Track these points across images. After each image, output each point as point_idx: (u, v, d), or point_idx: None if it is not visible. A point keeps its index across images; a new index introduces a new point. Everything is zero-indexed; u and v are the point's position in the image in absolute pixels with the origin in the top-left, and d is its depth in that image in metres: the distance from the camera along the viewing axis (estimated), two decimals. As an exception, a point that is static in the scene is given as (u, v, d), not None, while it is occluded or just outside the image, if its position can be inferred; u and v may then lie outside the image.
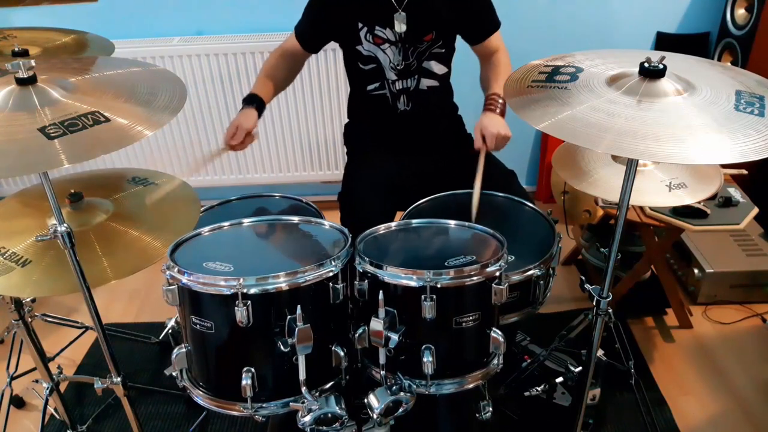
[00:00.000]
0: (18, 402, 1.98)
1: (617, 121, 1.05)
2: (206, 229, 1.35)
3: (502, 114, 1.68)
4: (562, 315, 2.20)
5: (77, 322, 2.17)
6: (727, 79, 1.17)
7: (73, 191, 1.44)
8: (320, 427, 1.22)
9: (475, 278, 1.21)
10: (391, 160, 1.78)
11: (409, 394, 1.24)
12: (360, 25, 1.66)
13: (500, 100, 1.69)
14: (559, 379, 1.70)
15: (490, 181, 1.69)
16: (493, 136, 1.61)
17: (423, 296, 1.19)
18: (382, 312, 1.21)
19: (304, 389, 1.23)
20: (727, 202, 1.96)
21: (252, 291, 1.16)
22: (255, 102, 1.73)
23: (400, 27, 1.65)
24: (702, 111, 1.06)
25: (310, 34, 1.76)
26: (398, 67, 1.71)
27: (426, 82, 1.76)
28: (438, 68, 1.76)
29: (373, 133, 1.84)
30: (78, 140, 1.06)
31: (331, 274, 1.23)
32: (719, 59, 2.47)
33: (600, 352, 1.52)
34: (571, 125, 1.06)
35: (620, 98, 1.10)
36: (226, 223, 1.37)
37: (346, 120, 1.95)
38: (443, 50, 1.75)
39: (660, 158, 1.01)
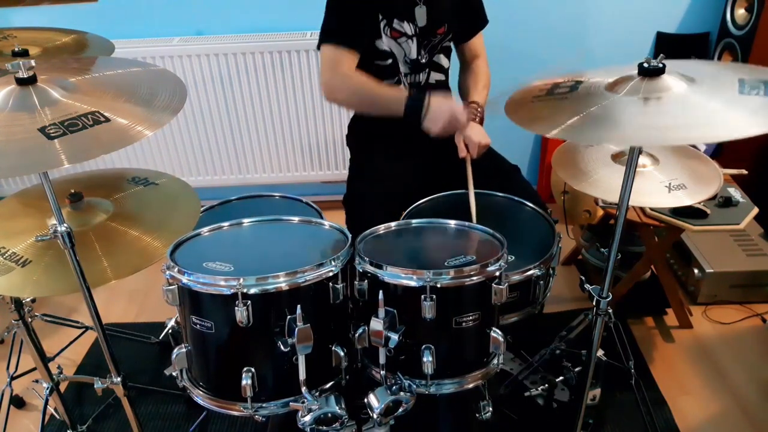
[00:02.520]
0: (18, 402, 1.98)
1: (630, 116, 1.05)
2: (206, 229, 1.35)
3: (481, 122, 1.74)
4: (562, 315, 2.20)
5: (77, 322, 2.17)
6: (728, 72, 1.16)
7: (73, 191, 1.44)
8: (320, 427, 1.22)
9: (475, 278, 1.21)
10: (397, 160, 1.78)
11: (409, 394, 1.24)
12: (380, 17, 1.65)
13: (479, 109, 1.74)
14: (560, 379, 1.70)
15: (495, 178, 1.70)
16: (476, 146, 1.66)
17: (423, 296, 1.19)
18: (382, 312, 1.21)
19: (304, 389, 1.23)
20: (727, 202, 1.96)
21: (252, 291, 1.16)
22: (418, 95, 1.62)
23: (422, 20, 1.66)
24: (709, 98, 1.06)
25: (360, 32, 1.64)
26: (413, 61, 1.71)
27: (435, 76, 1.78)
28: (444, 62, 1.78)
29: (379, 131, 1.83)
30: (78, 140, 1.06)
31: (331, 274, 1.23)
32: (719, 59, 2.47)
33: (600, 352, 1.52)
34: (585, 127, 1.06)
35: (623, 99, 1.10)
36: (226, 223, 1.37)
37: (347, 119, 1.95)
38: (450, 43, 1.77)
39: (697, 140, 1.00)
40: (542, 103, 1.18)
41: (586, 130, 1.07)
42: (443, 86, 1.83)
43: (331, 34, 1.64)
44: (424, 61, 1.73)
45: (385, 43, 1.68)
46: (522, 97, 1.24)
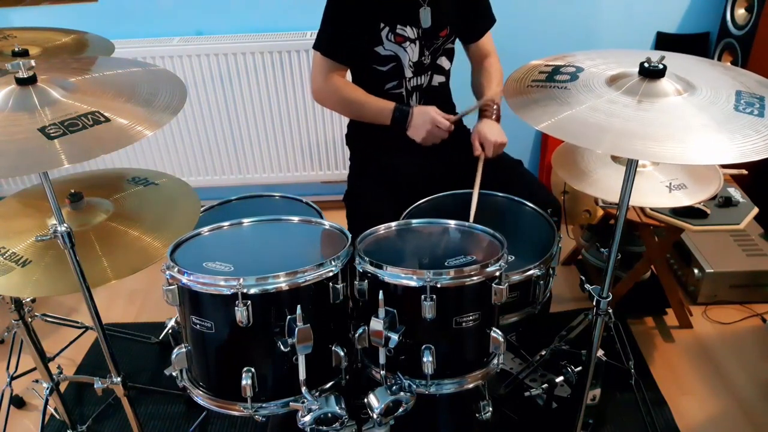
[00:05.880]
0: (18, 402, 1.98)
1: (617, 122, 1.05)
2: (206, 229, 1.35)
3: (498, 120, 1.73)
4: (562, 315, 2.20)
5: (77, 322, 2.17)
6: (727, 80, 1.17)
7: (73, 191, 1.44)
8: (320, 427, 1.22)
9: (475, 278, 1.21)
10: (397, 160, 1.78)
11: (409, 394, 1.24)
12: (382, 25, 1.65)
13: (495, 106, 1.73)
14: (560, 379, 1.70)
15: (498, 172, 1.70)
16: (492, 145, 1.65)
17: (423, 296, 1.19)
18: (382, 312, 1.21)
19: (304, 389, 1.23)
20: (727, 202, 1.96)
21: (252, 291, 1.16)
22: (402, 107, 1.67)
23: (426, 22, 1.66)
24: (702, 111, 1.06)
25: (352, 48, 1.67)
26: (416, 64, 1.71)
27: (437, 79, 1.78)
28: (446, 64, 1.78)
29: (379, 131, 1.83)
30: (78, 140, 1.06)
31: (331, 274, 1.23)
32: (719, 59, 2.47)
33: (600, 352, 1.52)
34: (571, 125, 1.06)
35: (620, 98, 1.10)
36: (226, 223, 1.37)
37: (347, 119, 1.94)
38: (453, 45, 1.77)
39: (659, 158, 1.01)
40: (539, 90, 1.18)
41: (572, 129, 1.06)
42: (444, 88, 1.83)
43: (323, 44, 1.67)
44: (427, 63, 1.73)
45: (387, 48, 1.68)
46: (521, 78, 1.24)
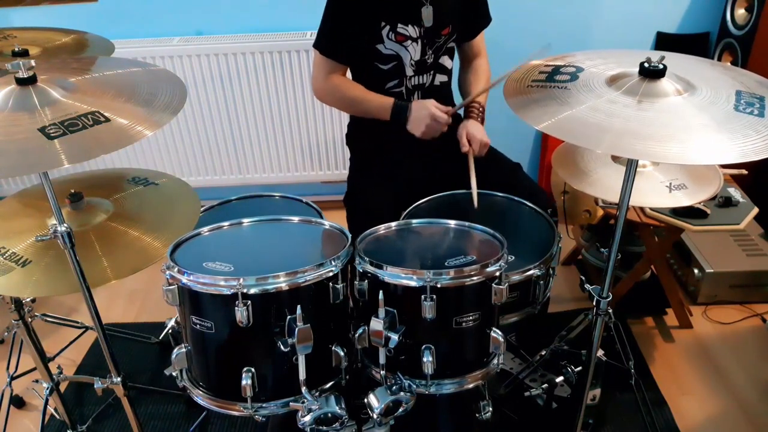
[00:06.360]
0: (18, 402, 1.98)
1: (617, 122, 1.05)
2: (206, 229, 1.35)
3: (482, 121, 1.75)
4: (562, 315, 2.20)
5: (77, 322, 2.17)
6: (727, 80, 1.17)
7: (73, 191, 1.44)
8: (320, 427, 1.22)
9: (475, 278, 1.21)
10: (397, 159, 1.78)
11: (409, 394, 1.24)
12: (383, 23, 1.65)
13: (480, 109, 1.75)
14: (560, 379, 1.70)
15: (497, 176, 1.71)
16: (478, 142, 1.67)
17: (423, 296, 1.19)
18: (382, 312, 1.21)
19: (304, 389, 1.23)
20: (727, 202, 1.96)
21: (252, 291, 1.16)
22: (402, 102, 1.68)
23: (428, 21, 1.66)
24: (702, 111, 1.06)
25: (351, 47, 1.68)
26: (418, 63, 1.71)
27: (439, 78, 1.78)
28: (448, 63, 1.79)
29: (381, 132, 1.83)
30: (78, 140, 1.06)
31: (331, 274, 1.23)
32: (719, 59, 2.47)
33: (600, 352, 1.52)
34: (571, 125, 1.06)
35: (620, 98, 1.10)
36: (226, 223, 1.37)
37: (347, 119, 1.95)
38: (454, 44, 1.78)
39: (659, 158, 1.01)
40: (539, 90, 1.18)
41: (572, 129, 1.06)
42: (446, 88, 1.83)
43: (323, 43, 1.68)
44: (429, 62, 1.73)
45: (388, 47, 1.68)
46: (522, 78, 1.24)
